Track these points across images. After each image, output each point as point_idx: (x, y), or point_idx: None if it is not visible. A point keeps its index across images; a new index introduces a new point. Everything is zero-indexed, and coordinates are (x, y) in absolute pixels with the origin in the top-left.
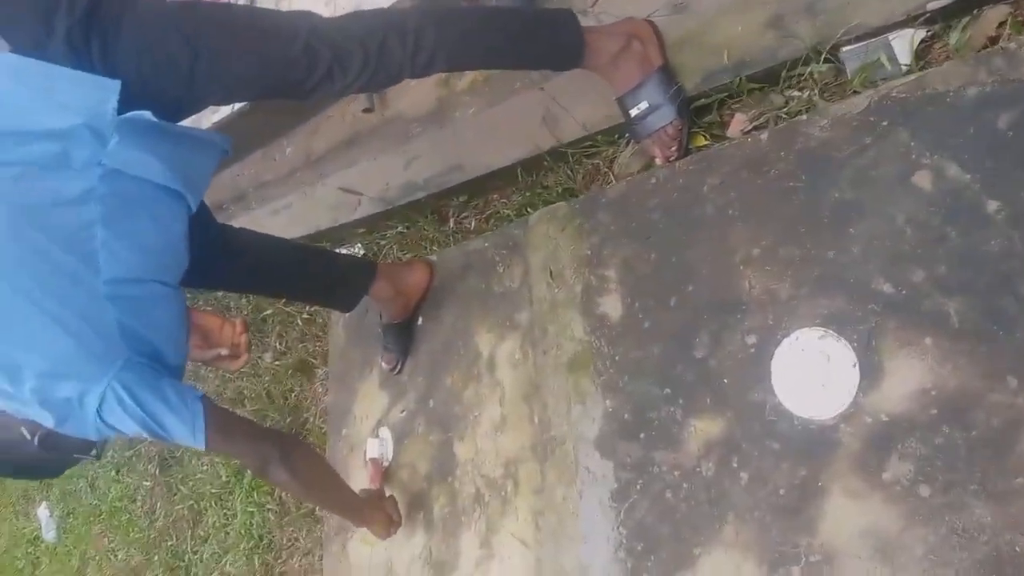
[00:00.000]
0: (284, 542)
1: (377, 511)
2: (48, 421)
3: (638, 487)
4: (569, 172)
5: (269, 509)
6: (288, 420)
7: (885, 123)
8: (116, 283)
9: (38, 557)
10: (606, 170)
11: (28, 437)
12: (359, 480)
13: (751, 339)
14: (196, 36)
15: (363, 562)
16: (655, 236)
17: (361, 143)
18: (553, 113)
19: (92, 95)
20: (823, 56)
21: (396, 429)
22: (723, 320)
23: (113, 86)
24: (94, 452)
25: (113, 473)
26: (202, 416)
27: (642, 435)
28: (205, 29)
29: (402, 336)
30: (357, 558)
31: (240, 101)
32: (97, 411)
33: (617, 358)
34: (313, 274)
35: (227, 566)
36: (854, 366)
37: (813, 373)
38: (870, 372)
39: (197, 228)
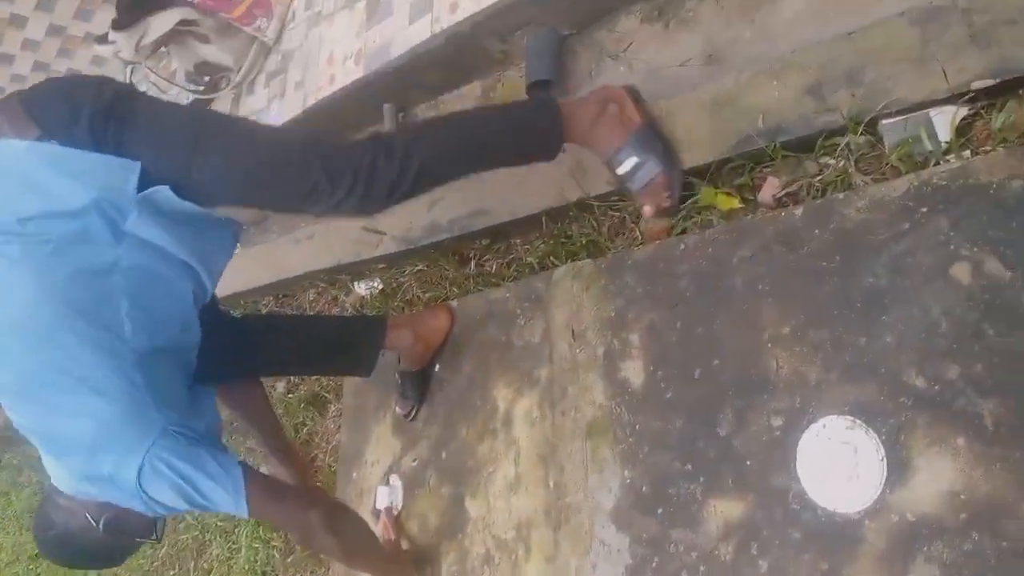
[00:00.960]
0: None
1: (405, 572)
2: (100, 496)
3: (654, 565)
4: (594, 224)
5: (274, 546)
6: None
7: (925, 209)
8: (143, 353)
9: (39, 574)
10: (632, 224)
11: (93, 523)
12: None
13: (777, 421)
14: (199, 151)
15: None
16: (682, 304)
17: None
18: (582, 164)
19: (115, 174)
20: (861, 128)
21: (407, 478)
22: (748, 399)
23: (133, 166)
24: (154, 536)
25: None
26: (243, 483)
27: (660, 511)
28: (208, 144)
29: (419, 383)
30: None
31: (247, 206)
32: (138, 483)
33: (637, 427)
34: (324, 339)
35: None
36: (882, 460)
37: (839, 463)
38: (898, 468)
39: (210, 317)
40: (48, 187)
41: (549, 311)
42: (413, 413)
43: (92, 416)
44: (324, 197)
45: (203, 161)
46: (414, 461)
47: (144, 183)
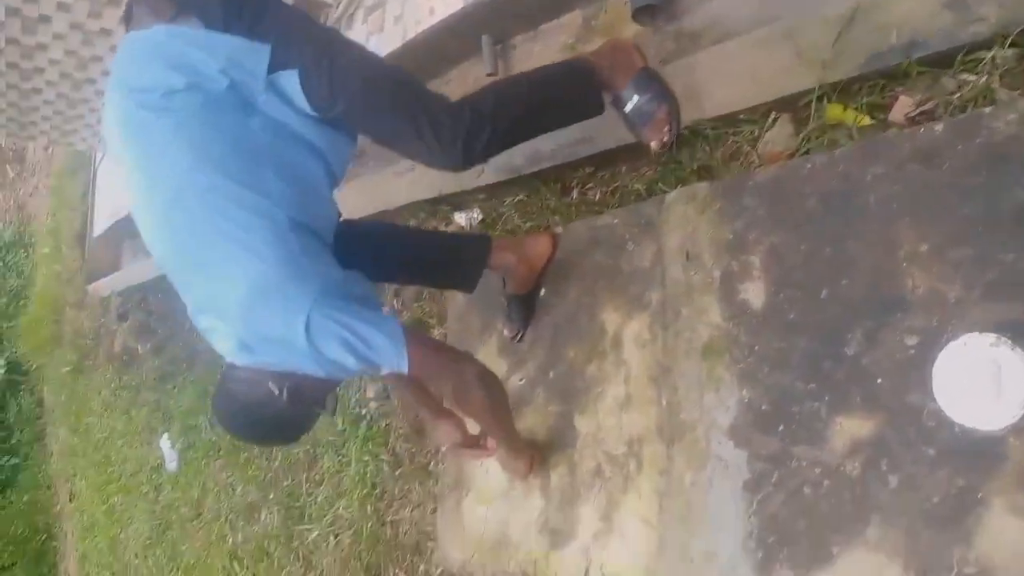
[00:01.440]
0: (396, 493)
1: (527, 448)
2: (275, 363)
3: (773, 480)
4: (707, 148)
5: (383, 460)
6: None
7: None
8: (293, 222)
9: (161, 484)
10: (748, 148)
11: (276, 392)
12: None
13: (911, 340)
14: (327, 55)
15: (477, 520)
16: (808, 225)
17: None
18: (692, 87)
19: (248, 55)
20: (1009, 40)
21: (514, 396)
22: (880, 318)
23: (264, 49)
24: (329, 407)
25: None
26: (403, 335)
27: (781, 428)
28: (337, 50)
29: (525, 307)
30: (472, 516)
31: (350, 121)
32: (307, 338)
33: (757, 348)
34: (433, 252)
35: (340, 510)
36: None
37: (981, 381)
38: None
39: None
40: (189, 64)
41: (661, 235)
42: (520, 335)
43: (256, 277)
44: (423, 146)
45: (329, 65)
46: (521, 380)
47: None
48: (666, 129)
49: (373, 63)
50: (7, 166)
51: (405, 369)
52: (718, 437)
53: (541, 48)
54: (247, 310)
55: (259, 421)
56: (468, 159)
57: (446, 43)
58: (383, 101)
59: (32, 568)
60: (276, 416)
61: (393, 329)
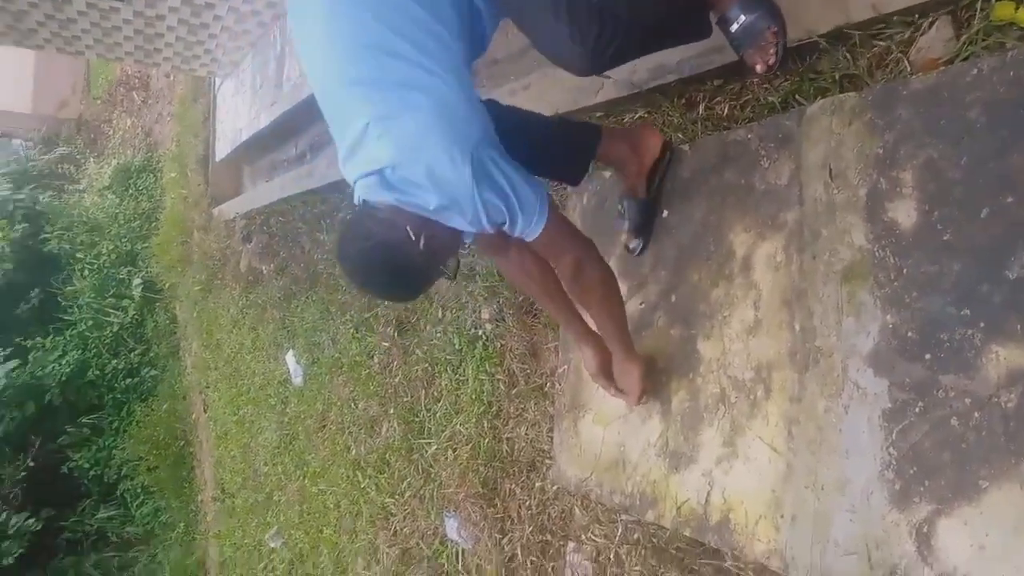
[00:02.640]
0: (512, 411)
1: (642, 366)
2: (426, 202)
3: (917, 409)
4: (849, 56)
5: (499, 379)
6: (520, 298)
7: None
8: (465, 59)
9: (287, 397)
10: (899, 55)
11: (413, 237)
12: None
13: None
14: None
15: (594, 441)
16: (970, 137)
17: None
18: None
19: None
20: None
21: (634, 320)
22: None
23: None
24: (451, 268)
25: (352, 331)
26: (546, 194)
27: (927, 356)
28: None
29: (644, 215)
30: (589, 436)
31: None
32: (471, 169)
33: (905, 271)
34: (542, 135)
35: (458, 426)
36: None
37: None
38: None
39: None
40: None
41: (800, 151)
42: (641, 247)
43: (439, 100)
44: (559, 33)
45: None
46: (641, 304)
47: None
48: (772, 51)
49: None
50: (133, 93)
51: (541, 227)
52: (856, 364)
53: None
54: (423, 133)
55: (388, 263)
56: (597, 61)
57: None
58: None
59: (172, 471)
60: (406, 262)
61: (539, 186)
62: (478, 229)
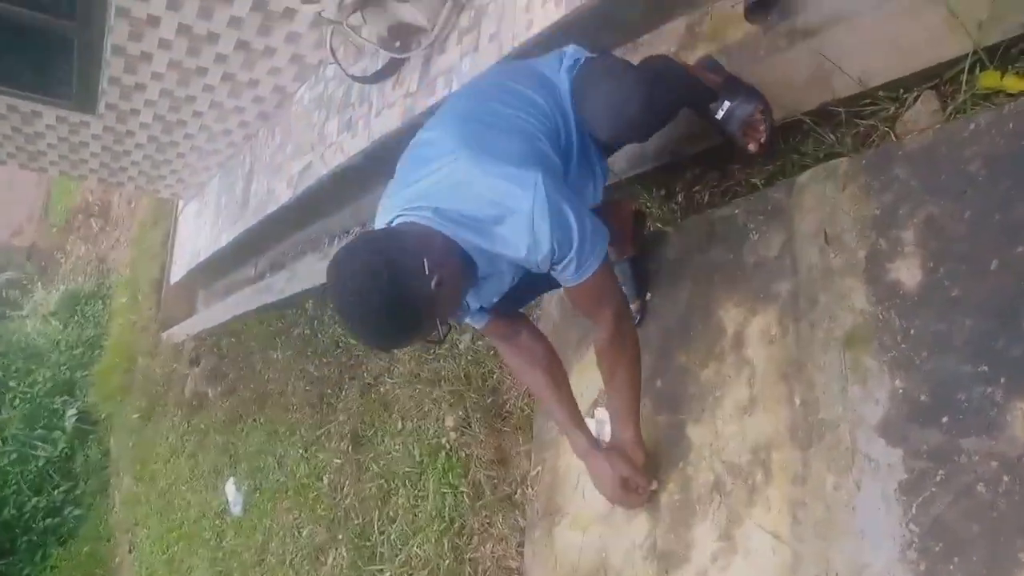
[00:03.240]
0: (477, 526)
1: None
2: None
3: (937, 479)
4: (835, 136)
5: (463, 492)
6: (488, 401)
7: None
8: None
9: (223, 530)
10: (885, 130)
11: (427, 272)
12: (572, 457)
13: None
14: None
15: (571, 549)
16: (972, 191)
17: None
18: (821, 69)
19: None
20: None
21: None
22: None
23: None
24: (444, 331)
25: (301, 451)
26: (606, 234)
27: (944, 419)
28: None
29: (638, 273)
30: (565, 544)
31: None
32: (534, 186)
33: (912, 332)
34: None
35: (415, 548)
36: None
37: None
38: None
39: None
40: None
41: (791, 220)
42: (639, 312)
43: (509, 146)
44: (634, 84)
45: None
46: None
47: None
48: (760, 128)
49: None
50: (92, 220)
51: (597, 265)
52: (866, 434)
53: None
54: (495, 169)
55: (391, 286)
56: (653, 100)
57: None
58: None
59: None
60: (410, 294)
61: (601, 225)
62: (532, 258)
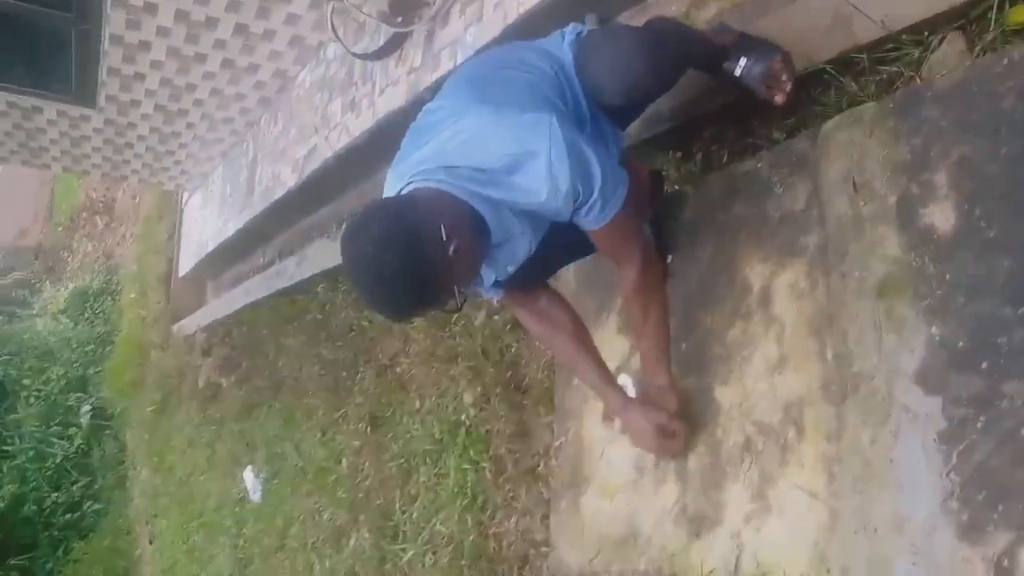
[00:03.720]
0: (500, 501)
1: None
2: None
3: (979, 425)
4: (856, 85)
5: (484, 467)
6: (507, 375)
7: None
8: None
9: (243, 517)
10: (910, 75)
11: (444, 237)
12: (596, 426)
13: None
14: None
15: (600, 517)
16: (1007, 127)
17: None
18: (841, 15)
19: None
20: None
21: (638, 376)
22: None
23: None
24: (460, 298)
25: (319, 435)
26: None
27: (984, 364)
28: None
29: (657, 238)
30: (592, 512)
31: None
32: (550, 127)
33: (948, 276)
34: None
35: (438, 525)
36: None
37: None
38: None
39: None
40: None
41: (817, 170)
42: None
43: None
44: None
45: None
46: None
47: None
48: (784, 79)
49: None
50: (96, 217)
51: (621, 203)
52: (903, 384)
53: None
54: (507, 118)
55: (409, 253)
56: (659, 58)
57: (549, 23)
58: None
59: None
60: (428, 259)
61: (619, 167)
62: (552, 204)
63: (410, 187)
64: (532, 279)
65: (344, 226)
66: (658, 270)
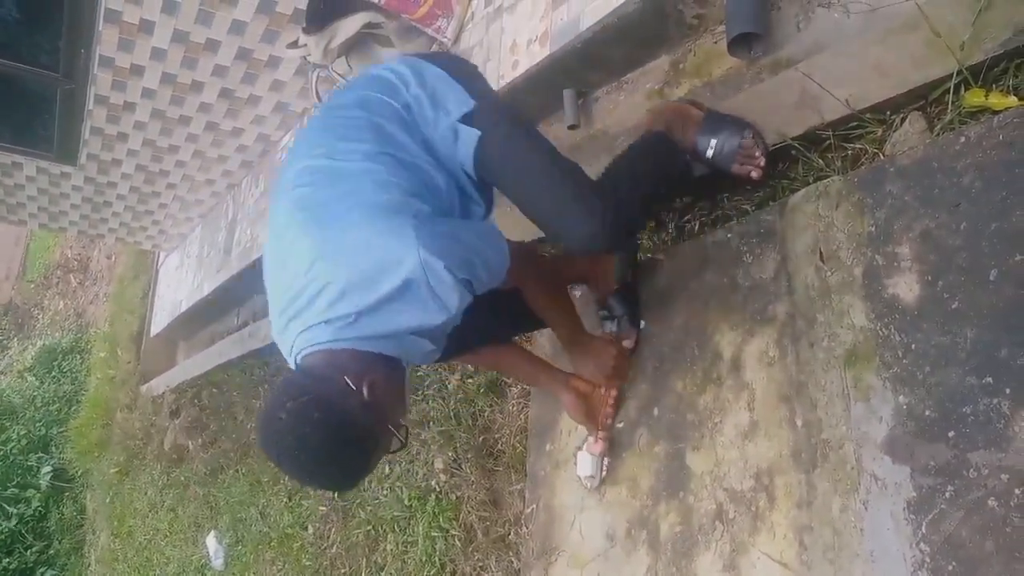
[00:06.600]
0: (469, 570)
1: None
2: (374, 326)
3: (947, 495)
4: (824, 159)
5: (454, 535)
6: (479, 440)
7: None
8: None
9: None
10: (874, 152)
11: (353, 386)
12: (567, 494)
13: None
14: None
15: None
16: (967, 202)
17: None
18: (808, 93)
19: (458, 101)
20: None
21: (612, 442)
22: None
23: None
24: (403, 433)
25: (285, 500)
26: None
27: (951, 434)
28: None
29: (626, 302)
30: None
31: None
32: (417, 238)
33: (913, 346)
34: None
35: None
36: None
37: None
38: None
39: None
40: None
41: (785, 241)
42: (635, 341)
43: (364, 210)
44: (587, 216)
45: (506, 144)
46: (620, 423)
47: None
48: (757, 154)
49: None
50: (71, 275)
51: (506, 261)
52: (872, 453)
53: (626, 97)
54: (362, 246)
55: (326, 424)
56: (610, 236)
57: (529, 96)
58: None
59: None
60: (349, 420)
61: (491, 227)
62: (447, 309)
63: (301, 353)
64: (465, 346)
65: (256, 431)
66: (543, 270)
